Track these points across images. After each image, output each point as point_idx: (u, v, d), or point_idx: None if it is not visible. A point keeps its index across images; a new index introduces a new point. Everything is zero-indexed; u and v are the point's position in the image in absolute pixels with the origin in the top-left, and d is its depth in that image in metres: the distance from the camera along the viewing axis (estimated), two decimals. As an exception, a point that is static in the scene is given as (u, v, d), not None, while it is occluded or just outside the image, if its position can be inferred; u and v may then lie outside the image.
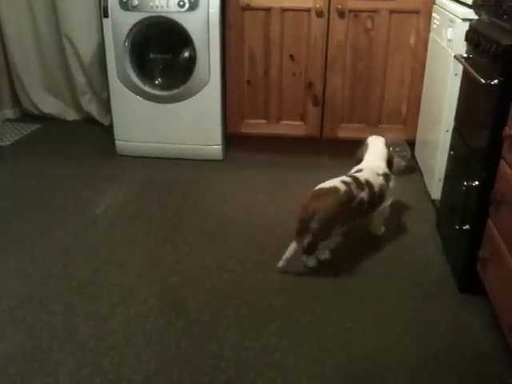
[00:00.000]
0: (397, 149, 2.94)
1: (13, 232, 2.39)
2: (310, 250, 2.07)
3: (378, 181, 2.18)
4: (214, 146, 3.13)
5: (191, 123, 3.08)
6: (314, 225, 1.98)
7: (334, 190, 2.04)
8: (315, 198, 2.03)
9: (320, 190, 2.07)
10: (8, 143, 3.41)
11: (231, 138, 3.23)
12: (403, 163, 2.94)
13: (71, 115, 3.89)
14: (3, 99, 3.84)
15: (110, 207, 2.63)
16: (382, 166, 2.26)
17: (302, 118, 3.08)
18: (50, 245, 2.28)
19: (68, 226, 2.44)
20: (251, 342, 1.73)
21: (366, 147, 2.36)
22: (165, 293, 1.97)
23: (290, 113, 3.08)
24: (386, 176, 2.23)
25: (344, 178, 2.14)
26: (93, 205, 2.64)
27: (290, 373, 1.61)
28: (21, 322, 1.82)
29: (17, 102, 3.92)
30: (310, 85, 3.00)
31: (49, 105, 3.87)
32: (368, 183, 2.13)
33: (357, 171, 2.24)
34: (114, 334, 1.76)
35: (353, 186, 2.08)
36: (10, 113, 3.89)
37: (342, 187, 2.05)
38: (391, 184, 2.26)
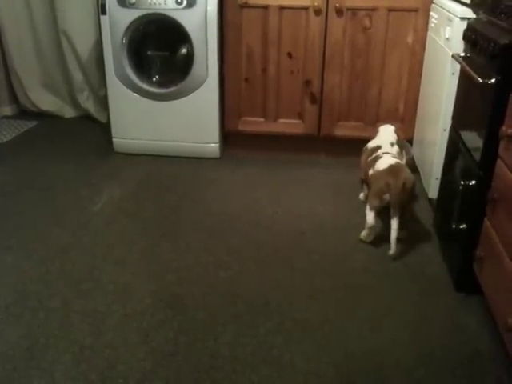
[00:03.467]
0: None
1: (10, 229, 2.39)
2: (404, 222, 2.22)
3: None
4: (211, 143, 3.13)
5: (189, 121, 3.08)
6: (405, 195, 2.16)
7: (403, 165, 2.30)
8: (395, 172, 2.19)
9: (393, 165, 2.23)
10: (5, 140, 3.41)
11: (229, 136, 3.23)
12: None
13: (69, 112, 3.89)
14: (0, 96, 3.83)
15: (107, 205, 2.62)
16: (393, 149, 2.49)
17: (300, 116, 3.08)
18: (47, 242, 2.28)
19: (65, 224, 2.44)
20: (248, 339, 1.74)
21: (376, 133, 2.62)
22: (162, 290, 1.98)
23: (288, 111, 3.08)
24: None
25: (391, 156, 2.35)
26: (90, 202, 2.64)
27: (287, 370, 1.62)
28: (18, 318, 1.81)
29: (14, 99, 3.91)
30: (307, 83, 3.00)
31: (46, 102, 3.86)
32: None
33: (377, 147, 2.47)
34: (111, 332, 1.76)
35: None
36: (7, 110, 3.88)
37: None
38: None
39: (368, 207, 2.23)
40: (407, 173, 2.21)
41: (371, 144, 2.54)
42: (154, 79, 3.15)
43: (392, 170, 2.21)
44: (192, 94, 3.00)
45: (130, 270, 2.10)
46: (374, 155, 2.40)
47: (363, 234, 2.28)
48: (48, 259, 2.16)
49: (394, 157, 2.36)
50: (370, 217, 2.22)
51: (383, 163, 2.26)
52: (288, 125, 3.12)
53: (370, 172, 2.33)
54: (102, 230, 2.39)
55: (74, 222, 2.45)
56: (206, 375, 1.59)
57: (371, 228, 2.24)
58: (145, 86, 3.05)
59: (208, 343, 1.72)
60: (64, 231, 2.37)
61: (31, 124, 3.71)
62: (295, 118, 3.10)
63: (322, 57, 2.94)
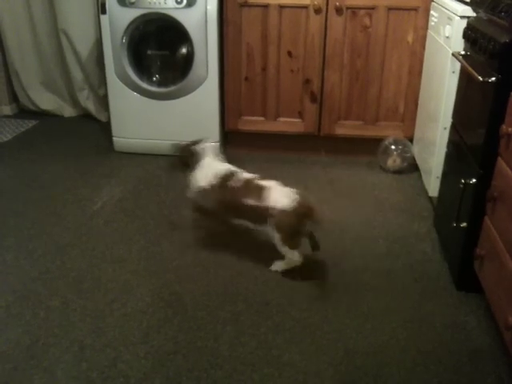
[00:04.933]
0: (399, 147, 2.95)
1: (9, 228, 2.39)
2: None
3: None
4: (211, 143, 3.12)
5: (189, 120, 3.07)
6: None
7: (301, 193, 2.03)
8: (305, 203, 1.99)
9: (298, 202, 1.97)
10: (5, 139, 3.41)
11: (229, 135, 3.23)
12: (405, 163, 2.95)
13: (68, 111, 3.89)
14: (0, 95, 3.83)
15: (106, 204, 2.62)
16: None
17: (300, 114, 3.08)
18: (47, 241, 2.28)
19: (65, 223, 2.44)
20: (248, 338, 1.73)
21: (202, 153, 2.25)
22: (162, 289, 1.97)
23: (288, 110, 3.08)
24: None
25: (275, 183, 2.09)
26: (90, 201, 2.64)
27: (287, 369, 1.62)
28: (18, 318, 1.81)
29: (14, 98, 3.92)
30: (307, 81, 3.00)
31: (46, 101, 3.86)
32: None
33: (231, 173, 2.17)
34: (111, 330, 1.76)
35: None
36: (7, 109, 3.88)
37: None
38: None
39: (287, 247, 2.02)
40: (308, 200, 2.01)
41: (213, 170, 2.18)
42: (154, 78, 3.14)
43: (299, 206, 1.97)
44: (192, 93, 3.00)
45: (130, 268, 2.10)
46: (235, 180, 2.12)
47: (283, 266, 2.08)
48: (48, 258, 2.16)
49: (278, 184, 2.09)
50: (296, 255, 2.02)
51: (281, 197, 2.00)
52: (288, 124, 3.11)
53: (254, 203, 2.02)
54: (102, 229, 2.39)
55: (73, 222, 2.45)
56: (206, 374, 1.59)
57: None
58: (145, 85, 3.05)
59: (208, 342, 1.72)
60: (64, 230, 2.37)
61: (31, 123, 3.71)
62: (295, 117, 3.09)
63: (322, 55, 2.94)
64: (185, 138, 3.08)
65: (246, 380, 1.58)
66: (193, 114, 3.05)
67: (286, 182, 2.84)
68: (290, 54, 2.96)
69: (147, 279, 2.03)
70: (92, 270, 2.08)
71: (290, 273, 2.06)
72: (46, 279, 2.03)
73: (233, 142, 3.24)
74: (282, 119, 3.11)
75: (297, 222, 1.98)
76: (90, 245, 2.26)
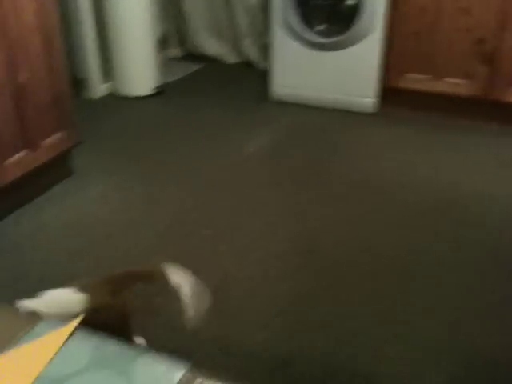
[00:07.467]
0: None
1: (171, 164, 2.56)
2: None
3: None
4: (367, 98, 3.05)
5: (347, 73, 3.02)
6: None
7: None
8: None
9: None
10: (172, 80, 3.62)
11: (388, 92, 3.11)
12: None
13: (231, 58, 4.02)
14: (170, 39, 4.06)
15: (256, 149, 2.69)
16: None
17: (468, 75, 2.86)
18: (204, 177, 2.42)
19: (220, 162, 2.55)
20: (384, 296, 1.70)
21: None
22: (301, 236, 2.00)
23: (456, 70, 2.87)
24: None
25: None
26: (241, 146, 2.72)
27: (418, 335, 1.56)
28: (172, 242, 1.96)
29: (182, 42, 4.13)
30: (481, 41, 2.77)
31: (211, 46, 4.03)
32: None
33: None
34: (252, 266, 1.83)
35: None
36: (176, 51, 4.12)
37: None
38: None
39: None
40: None
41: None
42: (317, 29, 3.10)
43: None
44: (355, 46, 2.93)
45: (274, 212, 2.15)
46: None
47: None
48: (202, 192, 2.29)
49: None
50: None
51: None
52: (454, 85, 2.91)
53: None
54: (252, 172, 2.47)
55: (227, 162, 2.56)
56: (339, 323, 1.59)
57: None
58: (307, 36, 3.03)
59: (344, 294, 1.71)
60: (218, 169, 2.49)
61: (196, 67, 3.91)
62: (463, 78, 2.88)
63: (501, 14, 2.68)
64: (341, 91, 3.07)
65: (379, 337, 1.55)
66: (352, 67, 2.99)
67: (443, 148, 2.70)
68: (464, 10, 2.74)
69: (289, 223, 2.07)
70: (240, 207, 2.17)
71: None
72: (200, 211, 2.15)
73: (390, 100, 3.11)
74: (447, 79, 2.92)
75: None
76: (241, 185, 2.35)
